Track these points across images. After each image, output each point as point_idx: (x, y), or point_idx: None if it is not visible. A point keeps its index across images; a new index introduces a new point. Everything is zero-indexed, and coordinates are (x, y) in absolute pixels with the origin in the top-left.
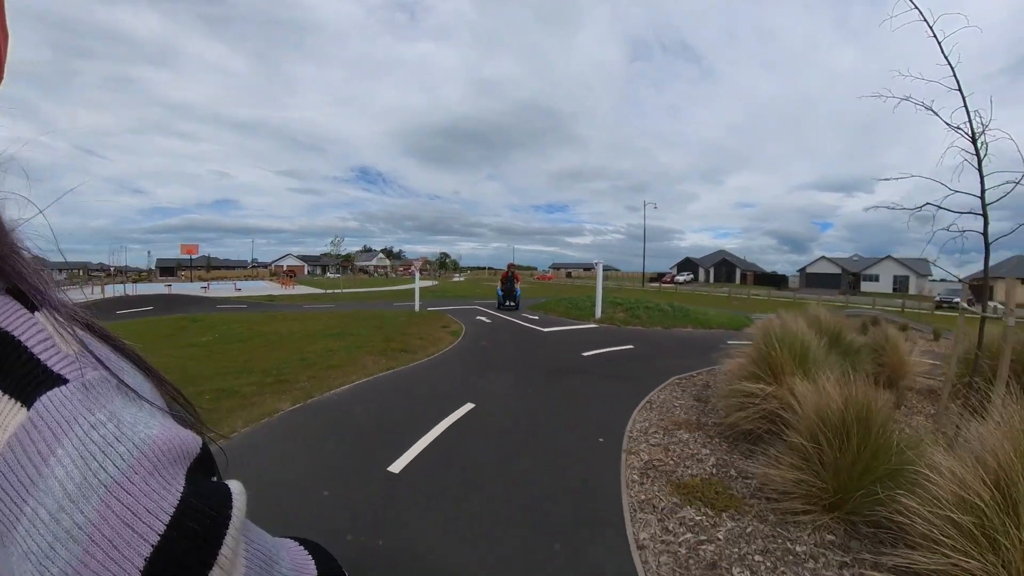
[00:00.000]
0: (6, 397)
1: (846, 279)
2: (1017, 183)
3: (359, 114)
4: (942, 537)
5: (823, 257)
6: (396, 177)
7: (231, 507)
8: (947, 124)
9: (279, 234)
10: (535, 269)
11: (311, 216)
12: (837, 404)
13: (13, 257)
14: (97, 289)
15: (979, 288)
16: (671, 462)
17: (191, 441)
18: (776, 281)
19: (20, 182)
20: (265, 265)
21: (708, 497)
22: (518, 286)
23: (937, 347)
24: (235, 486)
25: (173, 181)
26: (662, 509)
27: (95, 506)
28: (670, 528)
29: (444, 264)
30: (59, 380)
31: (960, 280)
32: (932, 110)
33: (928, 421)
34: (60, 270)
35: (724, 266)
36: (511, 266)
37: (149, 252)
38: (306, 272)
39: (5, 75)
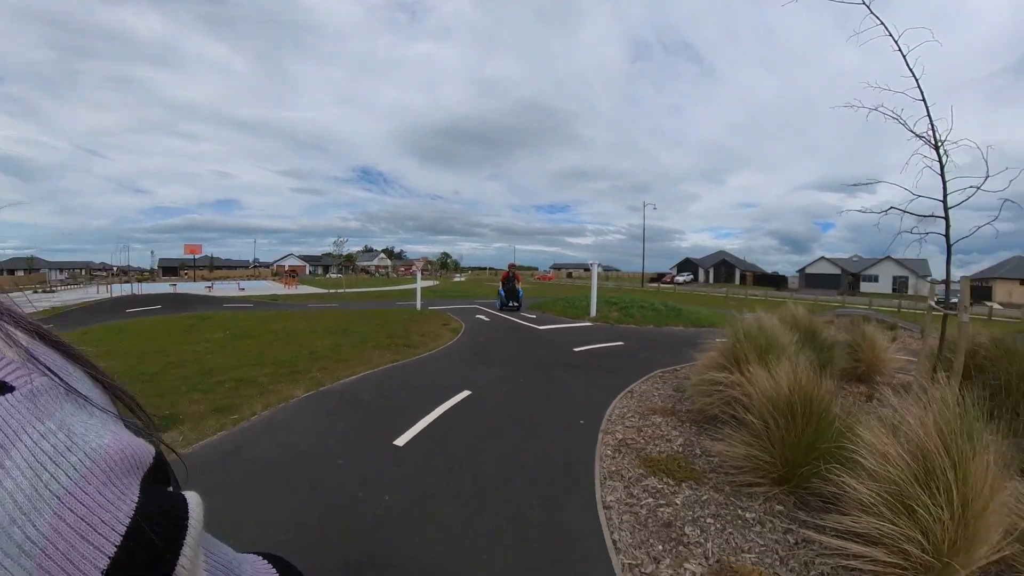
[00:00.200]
0: None
1: (845, 279)
2: (978, 188)
3: (360, 114)
4: (869, 504)
5: (822, 258)
6: (397, 177)
7: (188, 517)
8: (912, 132)
9: (280, 234)
10: (536, 269)
11: (312, 216)
12: (783, 389)
13: None
14: (102, 288)
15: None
16: (642, 441)
17: (144, 450)
18: (775, 282)
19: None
20: (267, 265)
21: (671, 470)
22: (519, 286)
23: (921, 345)
24: (192, 497)
25: (175, 181)
26: (629, 478)
27: (48, 519)
28: (634, 494)
29: (445, 264)
30: (4, 388)
31: (931, 280)
32: (899, 119)
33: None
34: (61, 270)
35: (724, 267)
36: (512, 266)
37: (152, 252)
38: (307, 272)
39: (6, 75)
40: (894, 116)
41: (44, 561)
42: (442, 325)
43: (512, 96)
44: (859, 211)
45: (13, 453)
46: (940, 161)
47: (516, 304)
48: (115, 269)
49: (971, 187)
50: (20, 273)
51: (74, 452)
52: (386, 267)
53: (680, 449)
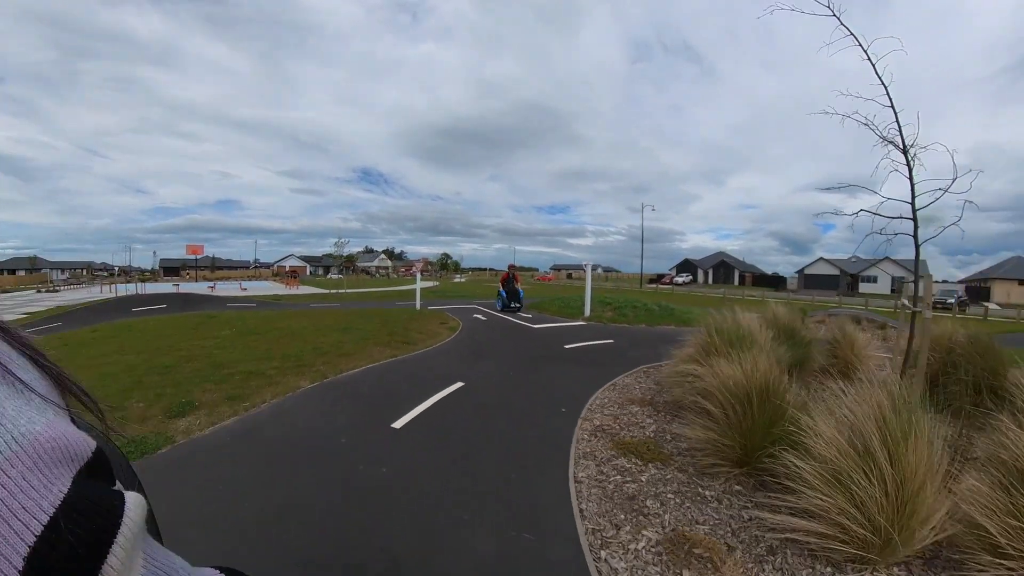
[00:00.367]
0: None
1: (844, 280)
2: (944, 191)
3: (361, 114)
4: (810, 482)
5: (821, 258)
6: (398, 178)
7: (122, 516)
8: (881, 137)
9: (281, 234)
10: (536, 270)
11: (313, 216)
12: (741, 380)
13: None
14: (106, 288)
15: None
16: (617, 427)
17: (81, 443)
18: (774, 282)
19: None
20: (267, 265)
21: (641, 452)
22: (519, 287)
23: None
24: (132, 497)
25: (176, 181)
26: (601, 458)
27: None
28: (604, 471)
29: (445, 265)
30: None
31: (903, 280)
32: (870, 125)
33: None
34: (63, 270)
35: (723, 267)
36: (511, 267)
37: (155, 252)
38: (308, 272)
39: (7, 75)
40: (864, 123)
41: None
42: (440, 324)
43: (513, 96)
44: (832, 213)
45: None
46: (908, 165)
47: (518, 305)
48: (116, 269)
49: (939, 189)
50: (22, 273)
51: (0, 434)
52: (387, 268)
53: (652, 435)
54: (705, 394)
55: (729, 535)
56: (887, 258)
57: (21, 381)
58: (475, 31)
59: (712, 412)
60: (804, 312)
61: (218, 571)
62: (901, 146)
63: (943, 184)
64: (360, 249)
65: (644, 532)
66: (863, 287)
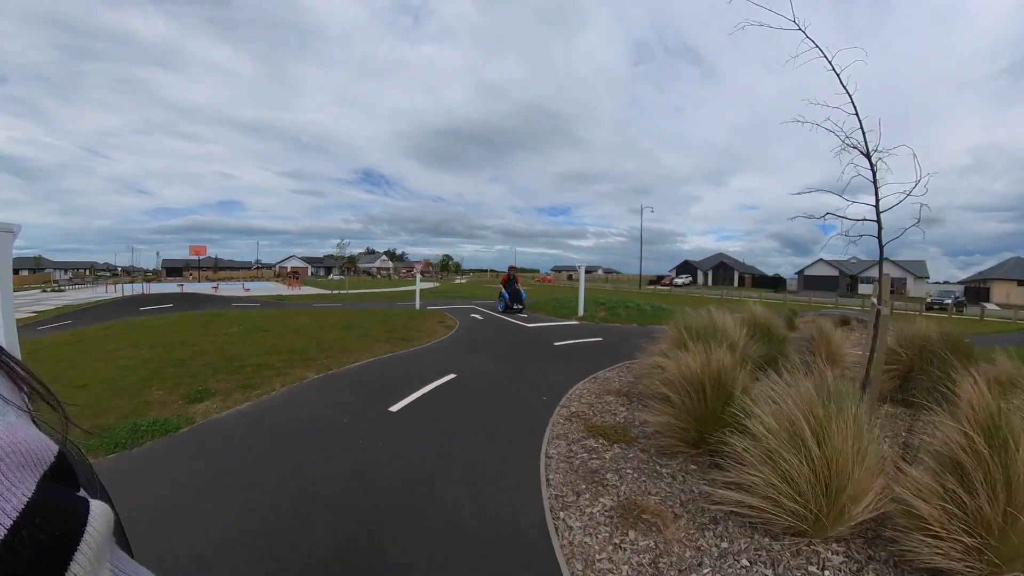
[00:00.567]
0: None
1: (843, 281)
2: (908, 194)
3: (362, 116)
4: (751, 461)
5: (821, 259)
6: (399, 179)
7: (85, 524)
8: (844, 143)
9: (282, 235)
10: (538, 271)
11: (314, 218)
12: (696, 370)
13: None
14: (111, 288)
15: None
16: (591, 413)
17: (44, 447)
18: (774, 283)
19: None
20: (269, 266)
21: (608, 435)
22: (520, 288)
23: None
24: (97, 505)
25: (178, 182)
26: (571, 439)
27: None
28: (573, 450)
29: (446, 266)
30: None
31: (874, 286)
32: (835, 132)
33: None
34: (66, 270)
35: (722, 269)
36: (511, 268)
37: (158, 253)
38: (309, 273)
39: (10, 76)
40: (829, 129)
41: None
42: (438, 323)
43: (514, 98)
44: (806, 217)
45: None
46: (872, 169)
47: (520, 307)
48: (119, 269)
49: (901, 193)
50: (25, 272)
51: None
52: (388, 269)
53: (622, 421)
54: (667, 384)
55: (677, 505)
56: (886, 259)
57: None
58: (476, 33)
59: (672, 399)
60: (794, 312)
61: None
62: (865, 151)
63: (944, 185)
64: (362, 250)
65: (601, 499)
66: (862, 288)
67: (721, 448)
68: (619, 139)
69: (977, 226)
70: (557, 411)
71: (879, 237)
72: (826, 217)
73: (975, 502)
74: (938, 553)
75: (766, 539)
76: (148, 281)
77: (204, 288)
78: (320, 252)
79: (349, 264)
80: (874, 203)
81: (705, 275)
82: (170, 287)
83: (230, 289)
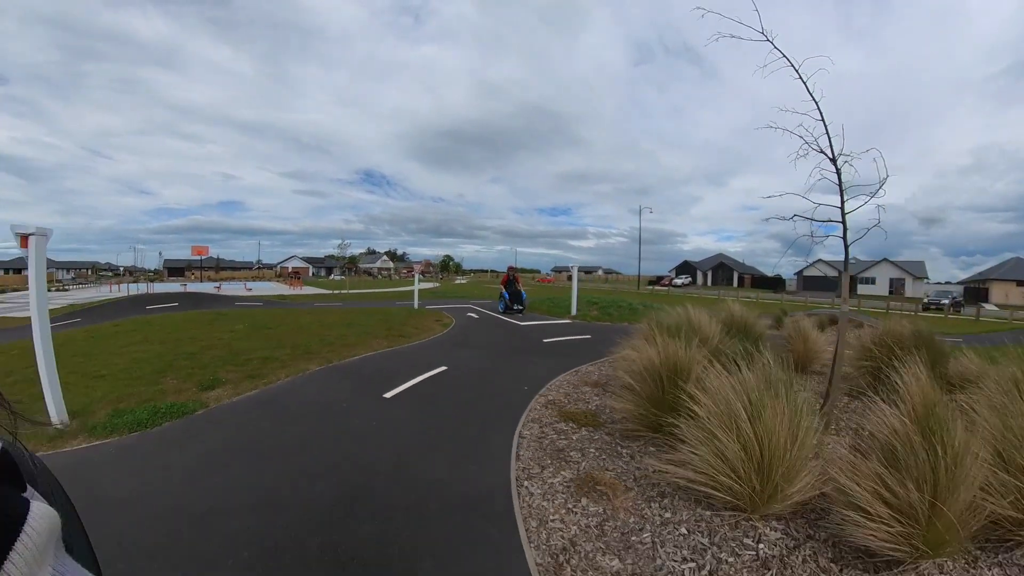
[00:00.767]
0: None
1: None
2: (872, 196)
3: (363, 116)
4: (693, 441)
5: (820, 260)
6: (400, 180)
7: (23, 525)
8: (812, 148)
9: (283, 235)
10: (539, 271)
11: (315, 218)
12: (655, 361)
13: None
14: (115, 287)
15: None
16: (566, 401)
17: None
18: (773, 284)
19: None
20: (271, 266)
21: (579, 419)
22: (521, 288)
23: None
24: (39, 507)
25: (179, 182)
26: (545, 423)
27: None
28: (544, 431)
29: (446, 267)
30: None
31: (839, 293)
32: (802, 137)
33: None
34: (68, 269)
35: (722, 269)
36: (511, 269)
37: (160, 253)
38: (310, 273)
39: (12, 76)
40: (797, 134)
41: None
42: (435, 321)
43: (515, 99)
44: (781, 219)
45: None
46: (837, 172)
47: (520, 307)
48: (121, 269)
49: (865, 195)
50: (28, 272)
51: None
52: (389, 269)
53: (594, 408)
54: (632, 374)
55: (630, 480)
56: (885, 260)
57: None
58: (477, 33)
59: (635, 388)
60: (784, 312)
61: None
62: (831, 156)
63: (945, 186)
64: (362, 251)
65: (562, 472)
66: (861, 288)
67: (673, 431)
68: (620, 139)
69: (978, 226)
70: (536, 399)
71: (844, 238)
72: (794, 219)
73: (904, 489)
74: (870, 535)
75: (707, 512)
76: (151, 281)
77: (207, 288)
78: (321, 252)
79: (350, 264)
80: (839, 205)
81: (705, 275)
82: (173, 287)
83: (232, 289)
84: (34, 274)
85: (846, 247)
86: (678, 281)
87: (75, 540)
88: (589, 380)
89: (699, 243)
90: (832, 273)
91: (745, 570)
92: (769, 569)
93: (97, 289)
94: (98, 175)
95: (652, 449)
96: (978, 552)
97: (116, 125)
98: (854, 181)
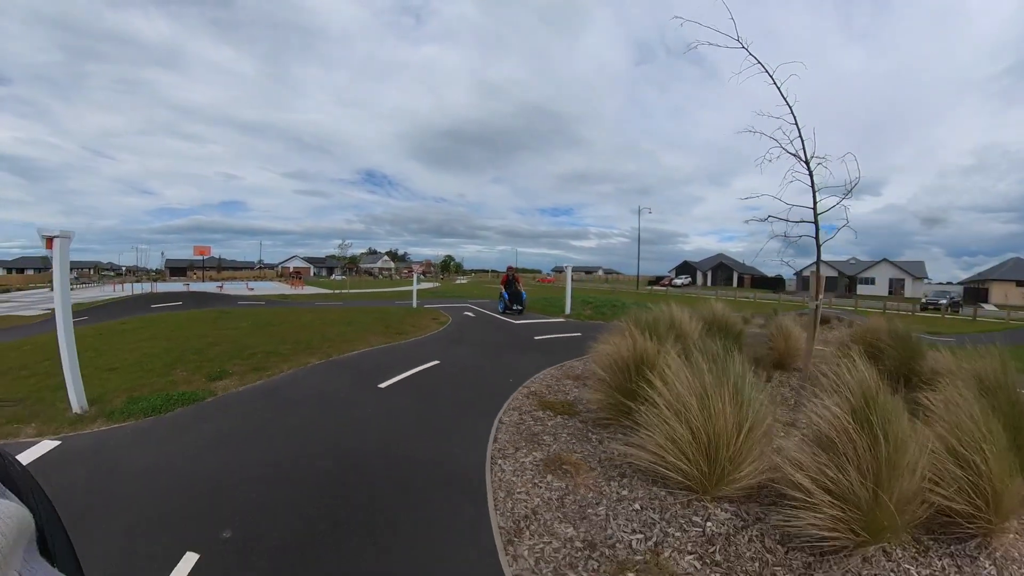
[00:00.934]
0: None
1: (842, 282)
2: (842, 199)
3: (365, 116)
4: (650, 427)
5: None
6: (402, 180)
7: None
8: (785, 151)
9: (285, 235)
10: (540, 272)
11: (316, 218)
12: (623, 354)
13: None
14: (118, 287)
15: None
16: (547, 392)
17: None
18: (773, 284)
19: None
20: (272, 266)
21: (556, 408)
22: (521, 288)
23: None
24: (8, 507)
25: (181, 182)
26: (524, 411)
27: None
28: (523, 418)
29: (447, 267)
30: None
31: (809, 298)
32: (777, 141)
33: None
34: (71, 269)
35: (722, 269)
36: (510, 268)
37: (163, 253)
38: (312, 273)
39: (16, 77)
40: (771, 136)
41: None
42: (432, 319)
43: (516, 99)
44: (758, 220)
45: None
46: (810, 174)
47: (520, 308)
48: (123, 269)
49: (834, 197)
50: (30, 272)
51: None
52: (390, 269)
53: (571, 398)
54: (605, 367)
55: (595, 461)
56: (885, 260)
57: None
58: (478, 33)
59: (606, 379)
60: (775, 311)
61: None
62: (804, 158)
63: (947, 186)
64: (364, 251)
65: (534, 453)
66: (861, 288)
67: (635, 417)
68: (621, 140)
69: (980, 227)
70: (519, 390)
71: (816, 238)
72: (768, 219)
73: (843, 476)
74: (812, 520)
75: (662, 492)
76: (155, 280)
77: (209, 287)
78: (322, 252)
79: (351, 264)
80: (812, 206)
81: (705, 276)
82: (176, 286)
83: (235, 288)
84: (58, 273)
85: (818, 246)
86: (678, 281)
87: (58, 548)
88: (572, 374)
89: (701, 243)
90: (832, 274)
91: (690, 543)
92: (714, 545)
93: (100, 289)
94: (100, 175)
95: (620, 435)
96: (930, 543)
97: (118, 125)
98: (827, 182)
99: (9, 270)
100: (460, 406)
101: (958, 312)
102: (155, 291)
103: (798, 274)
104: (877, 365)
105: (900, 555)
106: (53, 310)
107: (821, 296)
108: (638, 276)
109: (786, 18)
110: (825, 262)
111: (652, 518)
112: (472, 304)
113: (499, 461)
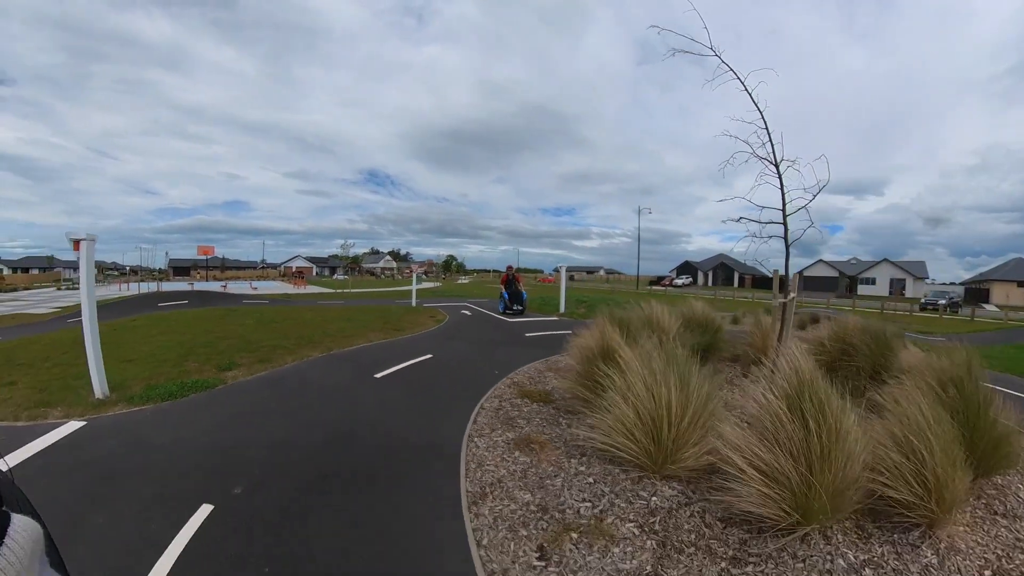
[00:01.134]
0: None
1: (842, 282)
2: (812, 199)
3: (367, 116)
4: (603, 411)
5: (820, 260)
6: (404, 179)
7: (5, 536)
8: (755, 155)
9: (287, 235)
10: (542, 271)
11: (319, 218)
12: (591, 345)
13: None
14: (123, 286)
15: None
16: (528, 383)
17: None
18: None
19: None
20: (275, 266)
21: (533, 396)
22: (522, 288)
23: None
24: (21, 520)
25: (184, 182)
26: (504, 398)
27: None
28: (502, 405)
29: (448, 266)
30: None
31: (781, 296)
32: (748, 144)
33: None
34: (75, 268)
35: (723, 269)
36: (510, 268)
37: (167, 253)
38: (314, 273)
39: (20, 78)
40: (744, 140)
41: None
42: (429, 317)
43: (518, 99)
44: (736, 221)
45: None
46: (779, 176)
47: (520, 308)
48: (127, 269)
49: (801, 198)
50: (35, 271)
51: None
52: (392, 269)
53: (550, 388)
54: (576, 358)
55: (560, 442)
56: (886, 260)
57: None
58: (480, 34)
59: (576, 368)
60: (767, 310)
61: None
62: (773, 161)
63: (951, 185)
64: (366, 250)
65: (507, 434)
66: (862, 288)
67: (596, 402)
68: (623, 139)
69: (984, 227)
70: (503, 381)
71: (785, 238)
72: (741, 219)
73: (774, 458)
74: (746, 497)
75: (616, 470)
76: (159, 280)
77: (214, 287)
78: (325, 252)
79: (353, 264)
80: (780, 207)
81: (706, 276)
82: (181, 285)
83: (238, 288)
84: (85, 272)
85: (787, 245)
86: (678, 281)
87: (50, 554)
88: (555, 367)
89: (703, 243)
90: (832, 274)
91: (633, 514)
92: (655, 516)
93: (106, 288)
94: (104, 175)
95: (591, 423)
96: (874, 530)
97: (121, 126)
98: (795, 185)
99: (14, 270)
100: (447, 394)
101: (957, 312)
102: (161, 290)
103: (799, 274)
104: (850, 361)
105: (840, 539)
106: (62, 308)
107: (794, 294)
108: (638, 276)
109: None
110: (826, 262)
111: (603, 490)
112: (470, 303)
113: (475, 439)
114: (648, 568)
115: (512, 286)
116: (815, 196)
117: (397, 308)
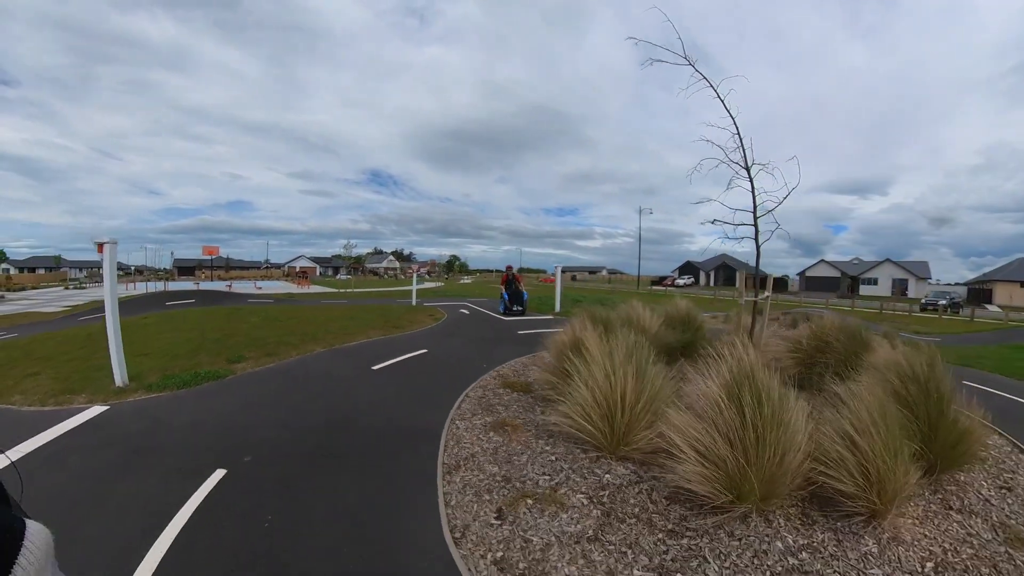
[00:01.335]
0: None
1: (844, 282)
2: (781, 201)
3: (370, 117)
4: (565, 396)
5: (822, 260)
6: (407, 180)
7: (23, 540)
8: (725, 161)
9: (291, 235)
10: (544, 271)
11: (322, 218)
12: (566, 339)
13: None
14: (130, 286)
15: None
16: (512, 375)
17: None
18: (775, 285)
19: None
20: (278, 266)
21: (515, 387)
22: (522, 288)
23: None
24: (34, 525)
25: (188, 182)
26: (488, 388)
27: None
28: (485, 394)
29: (450, 266)
30: None
31: (744, 295)
32: (722, 148)
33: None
34: (80, 268)
35: (724, 270)
36: (509, 268)
37: (172, 252)
38: (318, 273)
39: (25, 79)
40: (720, 146)
41: None
42: (428, 315)
43: (520, 99)
44: (712, 222)
45: None
46: (750, 180)
47: (520, 308)
48: (132, 269)
49: (770, 201)
50: (41, 271)
51: None
52: (395, 269)
53: (531, 380)
54: (553, 352)
55: (532, 426)
56: (888, 260)
57: None
58: (482, 34)
59: (551, 360)
60: (759, 311)
61: None
62: (744, 165)
63: (955, 185)
64: (369, 250)
65: (486, 418)
66: (864, 289)
67: (563, 388)
68: (625, 139)
69: (988, 226)
70: (489, 373)
71: (756, 239)
72: (715, 222)
73: (710, 440)
74: (683, 474)
75: (577, 449)
76: (165, 280)
77: (219, 286)
78: (328, 252)
79: (356, 264)
80: (751, 209)
81: (708, 276)
82: (187, 285)
83: (243, 287)
84: (107, 272)
85: (757, 246)
86: (680, 281)
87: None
88: (540, 362)
89: (706, 243)
90: (834, 274)
91: (585, 487)
92: (605, 490)
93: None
94: (108, 176)
95: (564, 409)
96: (819, 517)
97: (125, 126)
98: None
99: (21, 269)
100: (437, 384)
101: (957, 313)
102: (168, 289)
103: (801, 274)
104: (823, 358)
105: (782, 524)
106: (71, 307)
107: (767, 293)
108: (639, 276)
109: (790, 16)
110: (827, 262)
111: (562, 467)
112: (470, 303)
113: (457, 422)
114: (590, 532)
115: (512, 286)
116: (781, 202)
117: (398, 307)
